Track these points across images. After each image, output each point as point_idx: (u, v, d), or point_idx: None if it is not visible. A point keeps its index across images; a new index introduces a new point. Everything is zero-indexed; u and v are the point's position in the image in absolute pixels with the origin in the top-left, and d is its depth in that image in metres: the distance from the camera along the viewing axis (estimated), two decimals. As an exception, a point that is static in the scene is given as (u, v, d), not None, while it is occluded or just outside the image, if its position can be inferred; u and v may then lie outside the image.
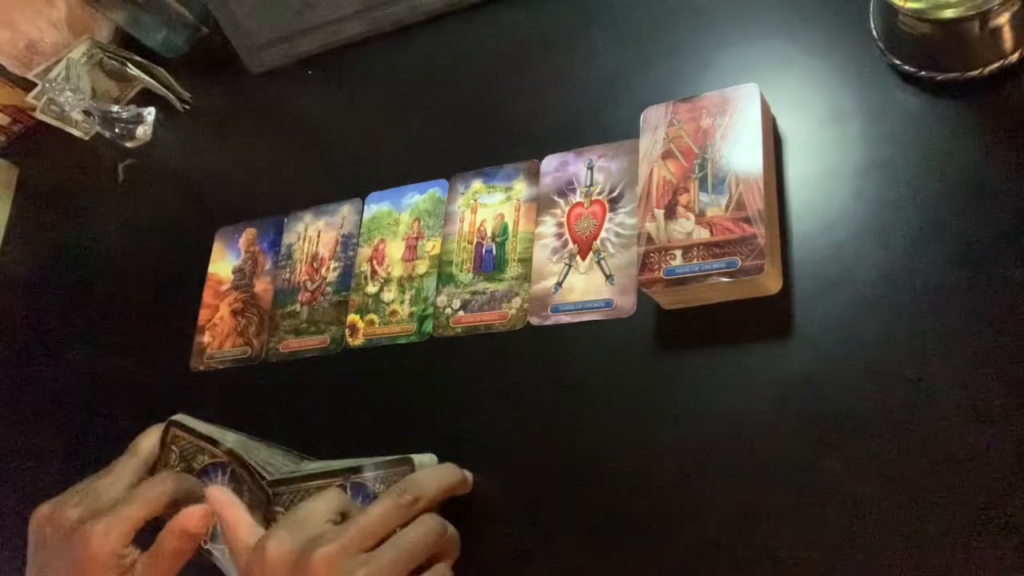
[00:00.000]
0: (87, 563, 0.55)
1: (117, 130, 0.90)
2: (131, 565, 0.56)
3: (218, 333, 0.76)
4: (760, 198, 0.54)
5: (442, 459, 0.61)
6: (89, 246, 0.90)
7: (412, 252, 0.70)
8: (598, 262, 0.62)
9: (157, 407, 0.76)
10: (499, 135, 0.71)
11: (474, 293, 0.66)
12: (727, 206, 0.55)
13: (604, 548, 0.54)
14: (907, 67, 0.56)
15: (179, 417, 0.64)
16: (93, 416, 0.80)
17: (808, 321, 0.54)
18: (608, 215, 0.63)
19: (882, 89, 0.57)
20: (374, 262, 0.71)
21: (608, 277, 0.61)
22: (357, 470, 0.58)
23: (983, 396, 0.48)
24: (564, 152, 0.67)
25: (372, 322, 0.69)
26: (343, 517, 0.54)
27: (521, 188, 0.67)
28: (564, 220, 0.65)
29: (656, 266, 0.55)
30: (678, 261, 0.55)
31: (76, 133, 0.93)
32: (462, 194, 0.70)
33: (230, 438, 0.62)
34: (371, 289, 0.70)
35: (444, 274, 0.68)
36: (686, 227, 0.55)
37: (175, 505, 0.58)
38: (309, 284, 0.74)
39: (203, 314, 0.77)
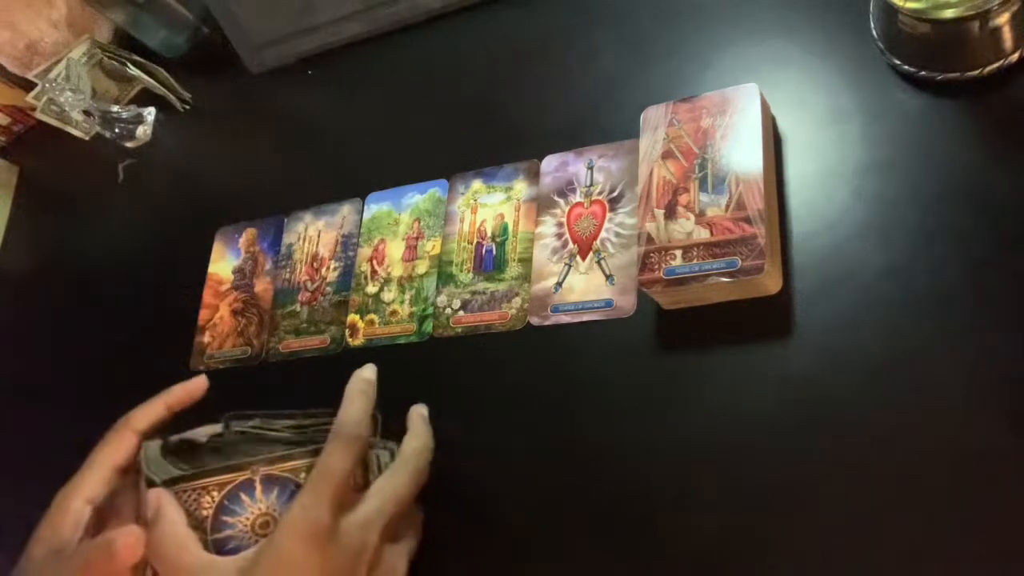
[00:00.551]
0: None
1: (117, 130, 0.90)
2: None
3: (218, 333, 0.76)
4: (760, 198, 0.54)
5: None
6: (89, 246, 0.90)
7: (412, 252, 0.70)
8: (598, 262, 0.62)
9: (157, 407, 0.76)
10: (499, 135, 0.71)
11: (474, 293, 0.66)
12: (727, 206, 0.55)
13: (604, 548, 0.54)
14: (907, 67, 0.56)
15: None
16: (93, 416, 0.79)
17: (808, 321, 0.54)
18: (608, 215, 0.63)
19: (882, 89, 0.57)
20: (374, 262, 0.71)
21: (608, 277, 0.61)
22: (266, 461, 0.55)
23: (984, 396, 0.48)
24: (564, 152, 0.67)
25: (372, 322, 0.69)
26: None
27: (521, 188, 0.67)
28: (564, 220, 0.65)
29: (656, 266, 0.55)
30: (678, 261, 0.55)
31: (76, 133, 0.93)
32: (462, 194, 0.70)
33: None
34: (371, 289, 0.70)
35: (444, 274, 0.68)
36: (686, 227, 0.55)
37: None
38: (309, 284, 0.74)
39: (203, 314, 0.77)
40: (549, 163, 0.67)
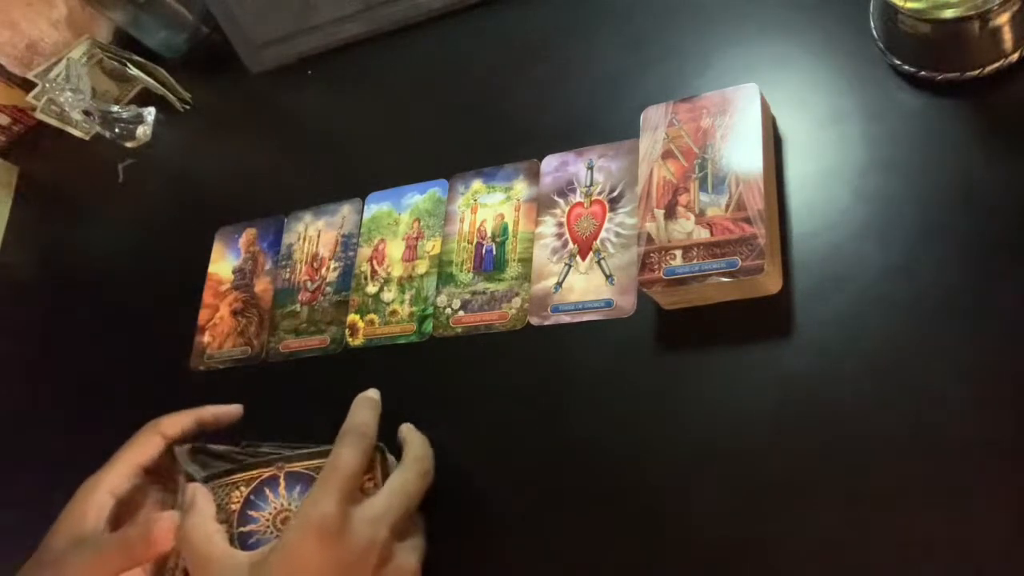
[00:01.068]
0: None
1: (117, 130, 0.90)
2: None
3: (218, 333, 0.76)
4: (760, 198, 0.54)
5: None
6: (89, 246, 0.90)
7: (412, 252, 0.70)
8: (598, 262, 0.62)
9: (157, 407, 0.76)
10: (499, 135, 0.71)
11: (474, 293, 0.66)
12: (727, 206, 0.55)
13: (604, 547, 0.54)
14: (907, 67, 0.56)
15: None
16: (93, 416, 0.80)
17: (808, 321, 0.54)
18: (608, 215, 0.63)
19: (882, 89, 0.57)
20: (374, 262, 0.71)
21: (608, 277, 0.61)
22: (289, 459, 0.57)
23: (984, 396, 0.48)
24: (564, 152, 0.67)
25: (372, 322, 0.69)
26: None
27: (521, 188, 0.67)
28: (564, 220, 0.65)
29: (656, 266, 0.55)
30: (678, 261, 0.55)
31: (76, 133, 0.93)
32: (462, 194, 0.70)
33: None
34: (371, 289, 0.70)
35: (444, 274, 0.68)
36: (686, 227, 0.55)
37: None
38: (309, 284, 0.74)
39: (203, 314, 0.77)
40: (549, 163, 0.67)
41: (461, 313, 0.66)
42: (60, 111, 0.91)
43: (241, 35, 0.85)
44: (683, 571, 0.52)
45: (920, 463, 0.48)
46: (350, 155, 0.78)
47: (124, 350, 0.81)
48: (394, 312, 0.68)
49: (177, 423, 0.60)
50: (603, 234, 0.62)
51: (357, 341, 0.69)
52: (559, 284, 0.63)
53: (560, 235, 0.64)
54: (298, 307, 0.73)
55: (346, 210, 0.75)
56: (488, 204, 0.68)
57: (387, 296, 0.69)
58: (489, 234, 0.67)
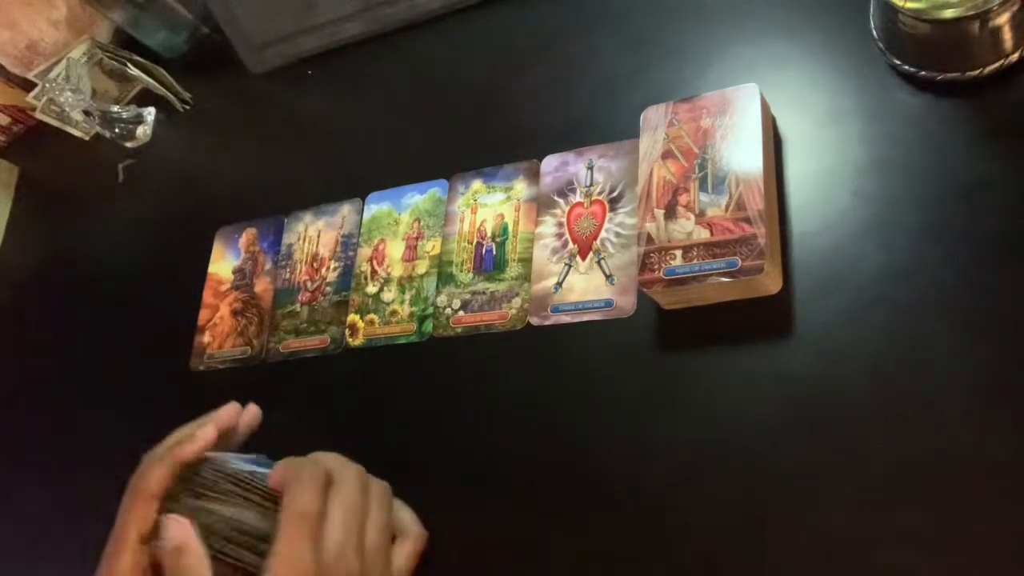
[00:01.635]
0: None
1: (117, 130, 0.90)
2: None
3: (218, 333, 0.76)
4: (760, 198, 0.54)
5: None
6: (89, 246, 0.90)
7: (412, 252, 0.70)
8: (598, 262, 0.62)
9: (157, 407, 0.77)
10: (499, 135, 0.71)
11: (474, 293, 0.66)
12: (727, 206, 0.55)
13: (604, 547, 0.54)
14: (907, 67, 0.56)
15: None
16: (93, 416, 0.80)
17: (808, 321, 0.54)
18: (608, 215, 0.63)
19: (882, 89, 0.57)
20: (374, 262, 0.71)
21: (608, 277, 0.61)
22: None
23: (984, 395, 0.48)
24: (564, 152, 0.67)
25: (372, 322, 0.69)
26: None
27: (521, 188, 0.67)
28: (564, 220, 0.65)
29: (656, 266, 0.55)
30: (678, 261, 0.55)
31: (76, 133, 0.93)
32: (462, 194, 0.70)
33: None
34: (371, 289, 0.70)
35: (444, 274, 0.68)
36: (686, 227, 0.55)
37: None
38: (309, 284, 0.74)
39: (203, 314, 0.77)
40: (549, 163, 0.67)
41: (461, 313, 0.66)
42: (60, 111, 0.91)
43: (241, 35, 0.85)
44: (683, 569, 0.52)
45: (920, 463, 0.48)
46: (350, 155, 0.78)
47: (124, 350, 0.81)
48: (394, 312, 0.68)
49: (160, 478, 0.55)
50: (603, 234, 0.62)
51: (357, 341, 0.69)
52: (559, 284, 0.63)
53: (560, 235, 0.64)
54: (298, 307, 0.73)
55: (346, 210, 0.75)
56: (488, 204, 0.68)
57: (387, 296, 0.69)
58: (489, 234, 0.67)
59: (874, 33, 0.58)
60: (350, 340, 0.69)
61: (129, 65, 0.90)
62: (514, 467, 0.59)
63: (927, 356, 0.50)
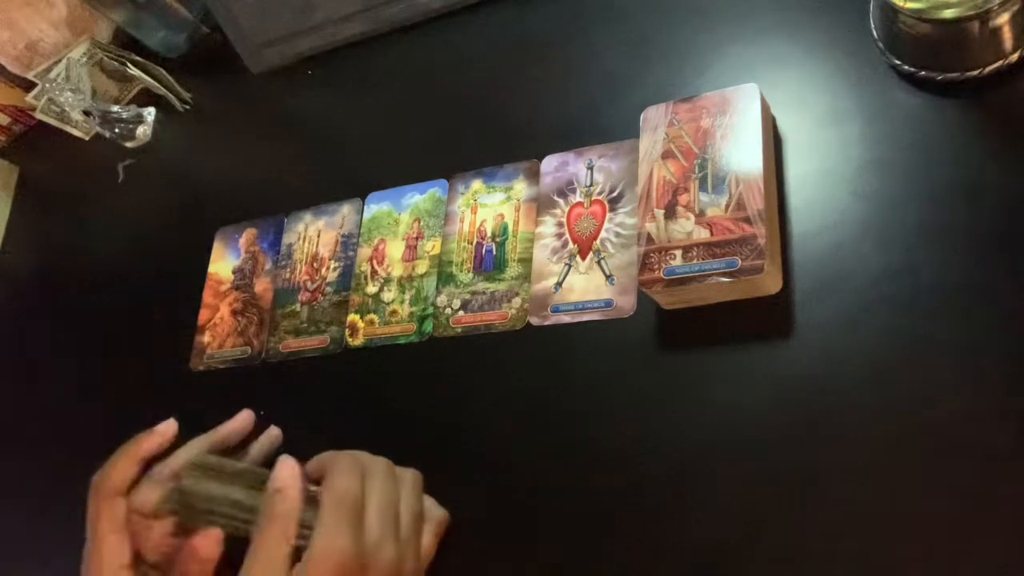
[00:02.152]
0: None
1: (117, 130, 0.90)
2: None
3: (218, 333, 0.76)
4: (760, 198, 0.54)
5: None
6: (89, 246, 0.90)
7: (412, 252, 0.70)
8: (598, 262, 0.62)
9: (157, 407, 0.76)
10: (499, 135, 0.71)
11: (474, 293, 0.66)
12: (727, 206, 0.55)
13: (604, 547, 0.54)
14: (907, 67, 0.56)
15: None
16: (93, 416, 0.80)
17: (808, 321, 0.54)
18: (608, 215, 0.63)
19: (882, 89, 0.57)
20: (374, 262, 0.71)
21: (608, 277, 0.61)
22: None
23: (983, 395, 0.48)
24: (564, 152, 0.67)
25: (372, 322, 0.69)
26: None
27: (521, 188, 0.67)
28: (564, 220, 0.65)
29: (656, 266, 0.55)
30: (678, 261, 0.55)
31: (76, 133, 0.93)
32: (462, 194, 0.70)
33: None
34: (371, 289, 0.70)
35: (444, 274, 0.68)
36: (686, 227, 0.55)
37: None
38: (309, 284, 0.74)
39: (203, 314, 0.77)
40: (549, 163, 0.67)
41: (461, 313, 0.66)
42: (60, 111, 0.91)
43: (241, 35, 0.85)
44: (682, 569, 0.52)
45: (920, 463, 0.48)
46: (350, 155, 0.79)
47: (124, 350, 0.81)
48: (394, 312, 0.68)
49: (121, 474, 0.55)
50: (603, 234, 0.62)
51: (357, 341, 0.69)
52: (559, 284, 0.63)
53: (560, 235, 0.64)
54: (298, 307, 0.73)
55: (346, 210, 0.75)
56: (488, 204, 0.68)
57: (387, 296, 0.69)
58: (489, 234, 0.67)
59: (874, 33, 0.58)
60: (350, 340, 0.69)
61: (129, 65, 0.90)
62: (514, 467, 0.59)
63: (927, 356, 0.50)
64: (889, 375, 0.50)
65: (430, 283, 0.68)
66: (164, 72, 0.90)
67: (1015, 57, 0.53)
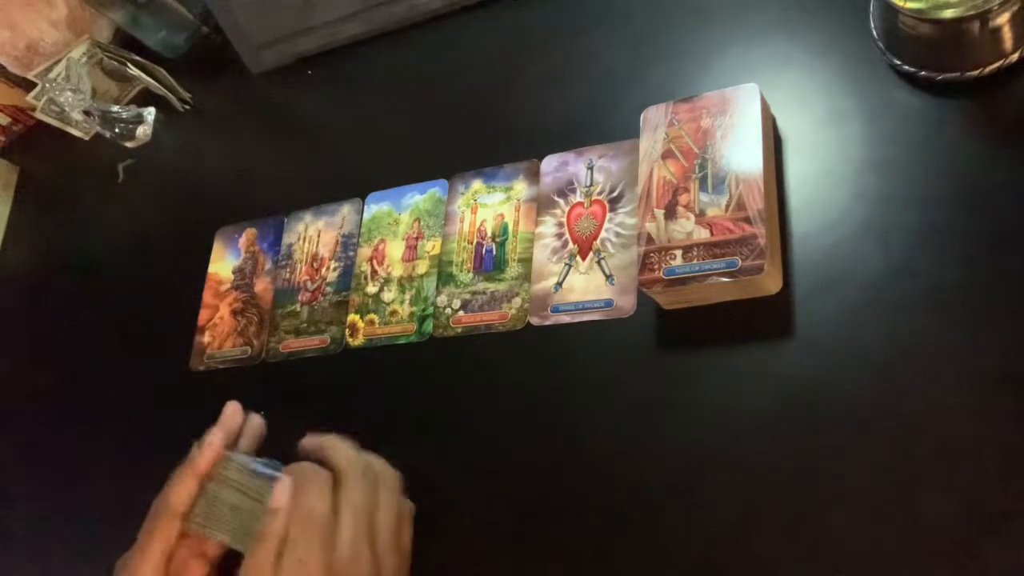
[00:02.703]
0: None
1: (117, 130, 0.90)
2: None
3: (218, 333, 0.76)
4: (760, 198, 0.54)
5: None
6: (89, 246, 0.90)
7: (412, 252, 0.70)
8: (598, 262, 0.62)
9: (157, 407, 0.77)
10: (499, 135, 0.71)
11: (474, 293, 0.66)
12: (727, 206, 0.55)
13: (603, 547, 0.54)
14: (907, 67, 0.56)
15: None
16: (93, 416, 0.80)
17: (808, 321, 0.54)
18: (608, 215, 0.63)
19: (882, 89, 0.57)
20: (374, 262, 0.71)
21: (608, 277, 0.61)
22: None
23: (984, 395, 0.48)
24: (564, 152, 0.67)
25: (372, 322, 0.69)
26: None
27: (521, 188, 0.67)
28: (564, 220, 0.65)
29: (656, 266, 0.55)
30: (678, 261, 0.55)
31: (76, 133, 0.93)
32: (462, 194, 0.70)
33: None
34: (371, 289, 0.70)
35: (444, 274, 0.68)
36: (686, 227, 0.55)
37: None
38: (309, 284, 0.74)
39: (203, 314, 0.77)
40: (549, 163, 0.67)
41: (461, 313, 0.66)
42: (60, 111, 0.91)
43: (241, 35, 0.85)
44: (683, 569, 0.52)
45: (920, 463, 0.48)
46: (350, 155, 0.78)
47: (124, 350, 0.81)
48: (394, 312, 0.68)
49: (183, 494, 0.56)
50: (603, 234, 0.62)
51: (357, 341, 0.69)
52: (559, 284, 0.63)
53: (560, 235, 0.64)
54: (298, 307, 0.73)
55: (346, 210, 0.75)
56: (488, 204, 0.68)
57: (387, 296, 0.69)
58: (489, 234, 0.67)
59: (874, 33, 0.58)
60: (350, 340, 0.69)
61: (129, 65, 0.90)
62: (514, 466, 0.59)
63: (927, 356, 0.50)
64: (889, 375, 0.50)
65: (430, 283, 0.68)
66: (164, 72, 0.90)
67: (1015, 57, 0.53)
